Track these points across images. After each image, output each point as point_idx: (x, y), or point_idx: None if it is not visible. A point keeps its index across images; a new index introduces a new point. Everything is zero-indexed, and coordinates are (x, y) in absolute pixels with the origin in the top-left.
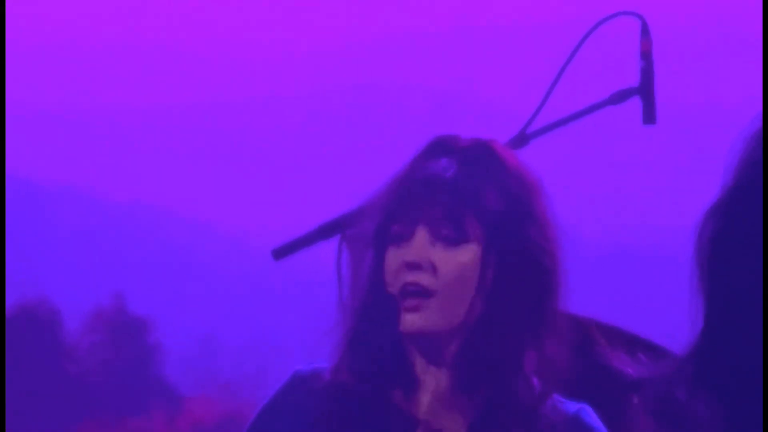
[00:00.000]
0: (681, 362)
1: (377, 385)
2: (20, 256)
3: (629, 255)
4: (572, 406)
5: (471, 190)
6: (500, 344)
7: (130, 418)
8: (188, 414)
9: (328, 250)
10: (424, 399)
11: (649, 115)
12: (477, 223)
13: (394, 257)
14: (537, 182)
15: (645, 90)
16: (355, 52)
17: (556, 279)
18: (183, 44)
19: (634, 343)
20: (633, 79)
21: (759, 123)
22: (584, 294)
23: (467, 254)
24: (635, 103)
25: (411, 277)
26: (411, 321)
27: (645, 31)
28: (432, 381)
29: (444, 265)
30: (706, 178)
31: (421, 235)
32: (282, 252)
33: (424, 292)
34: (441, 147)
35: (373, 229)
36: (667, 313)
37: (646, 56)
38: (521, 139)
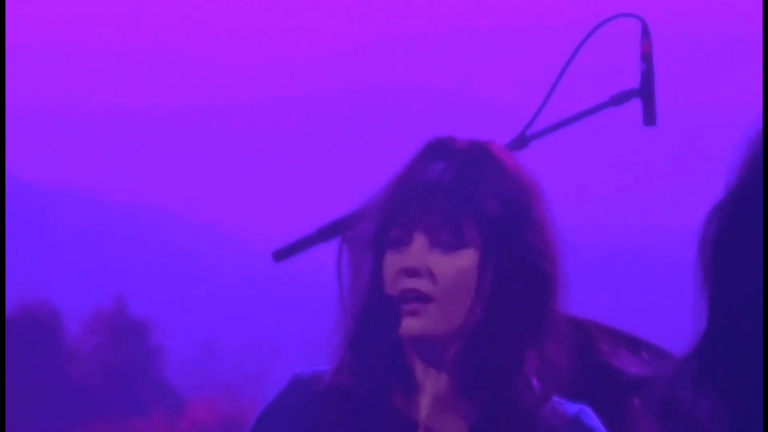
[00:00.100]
0: (684, 362)
1: (377, 389)
2: (21, 258)
3: (630, 255)
4: (572, 408)
5: (469, 194)
6: (500, 347)
7: (131, 419)
8: (189, 415)
9: (328, 252)
10: (424, 402)
11: (650, 117)
12: (475, 227)
13: (392, 262)
14: (535, 185)
15: (645, 92)
16: (355, 55)
17: (555, 282)
18: (184, 47)
19: (634, 344)
20: (633, 81)
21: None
22: (584, 296)
23: (465, 259)
24: (635, 105)
25: (409, 283)
26: (410, 325)
27: (645, 33)
28: (432, 384)
29: (442, 270)
30: (707, 179)
31: (419, 241)
32: (282, 254)
33: (422, 298)
34: (438, 149)
35: (372, 234)
36: (667, 313)
37: (647, 58)
38: (521, 141)
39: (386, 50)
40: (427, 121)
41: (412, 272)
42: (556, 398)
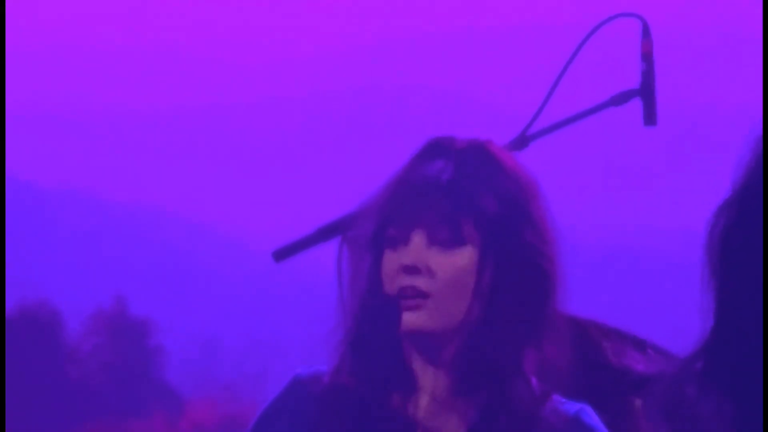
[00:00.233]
0: (690, 360)
1: (377, 388)
2: (21, 258)
3: (630, 255)
4: (572, 407)
5: (468, 192)
6: (499, 346)
7: (131, 419)
8: (189, 415)
9: (328, 252)
10: (423, 402)
11: (650, 117)
12: (474, 226)
13: (391, 260)
14: (534, 183)
15: (646, 91)
16: (355, 55)
17: (553, 281)
18: (184, 47)
19: (639, 343)
20: (634, 81)
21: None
22: (584, 296)
23: (464, 257)
24: (636, 105)
25: (408, 281)
26: (410, 320)
27: (646, 33)
28: (431, 384)
29: (441, 268)
30: (707, 178)
31: (418, 239)
32: (283, 254)
33: (421, 295)
34: (437, 149)
35: (371, 232)
36: (667, 314)
37: (647, 58)
38: (522, 141)
39: (386, 50)
40: (427, 121)
41: (411, 270)
42: (556, 397)
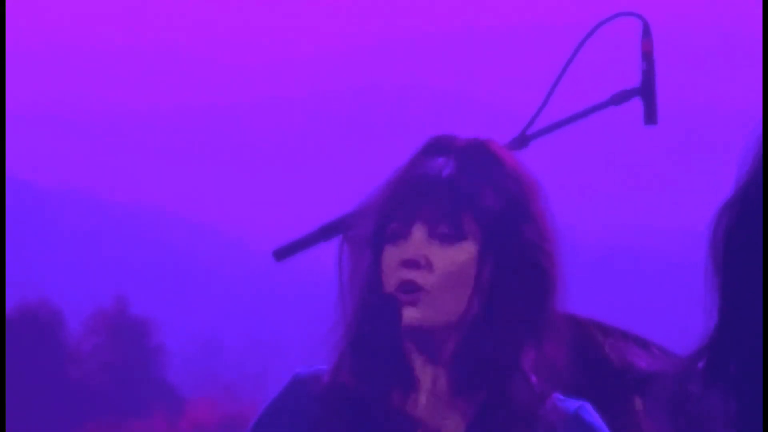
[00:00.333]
0: (694, 357)
1: (376, 386)
2: (21, 257)
3: (630, 255)
4: (572, 404)
5: (468, 188)
6: (498, 342)
7: (131, 419)
8: (190, 415)
9: (329, 251)
10: (423, 399)
11: (651, 116)
12: (474, 221)
13: (391, 255)
14: (534, 181)
15: (646, 91)
16: (355, 55)
17: (553, 277)
18: (184, 47)
19: (642, 342)
20: (634, 80)
21: None
22: (585, 295)
23: (464, 252)
24: (636, 104)
25: (408, 275)
26: (410, 314)
27: (646, 32)
28: (430, 381)
29: (441, 262)
30: (708, 178)
31: (419, 233)
32: (283, 253)
33: (420, 290)
34: (438, 147)
35: (371, 229)
36: (667, 313)
37: (647, 57)
38: (522, 140)
39: (386, 50)
40: (427, 121)
41: (411, 264)
42: (556, 395)
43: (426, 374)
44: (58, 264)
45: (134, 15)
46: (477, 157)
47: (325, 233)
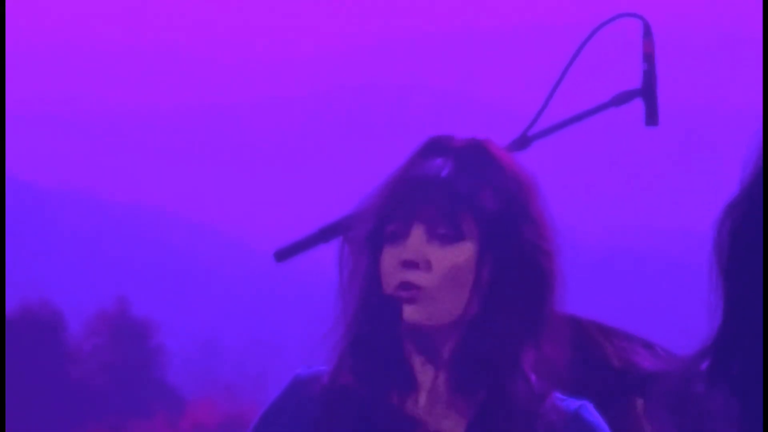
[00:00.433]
0: (698, 356)
1: (376, 387)
2: (22, 258)
3: (631, 256)
4: (572, 404)
5: (466, 189)
6: (497, 342)
7: (132, 420)
8: (190, 416)
9: (329, 252)
10: (423, 399)
11: (652, 117)
12: (473, 221)
13: (390, 256)
14: (532, 181)
15: (647, 92)
16: (355, 55)
17: (552, 277)
18: (184, 47)
19: (646, 342)
20: (635, 81)
21: None
22: (586, 295)
23: (463, 252)
24: (637, 105)
25: (407, 276)
26: (410, 313)
27: (647, 33)
28: (430, 381)
29: (440, 262)
30: (708, 179)
31: (418, 233)
32: (284, 254)
33: (419, 290)
34: (436, 147)
35: (369, 230)
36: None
37: (649, 58)
38: (523, 141)
39: (386, 50)
40: (427, 121)
41: (410, 264)
42: (556, 394)
43: (426, 374)
44: (59, 264)
45: (134, 15)
46: (475, 158)
47: (325, 234)
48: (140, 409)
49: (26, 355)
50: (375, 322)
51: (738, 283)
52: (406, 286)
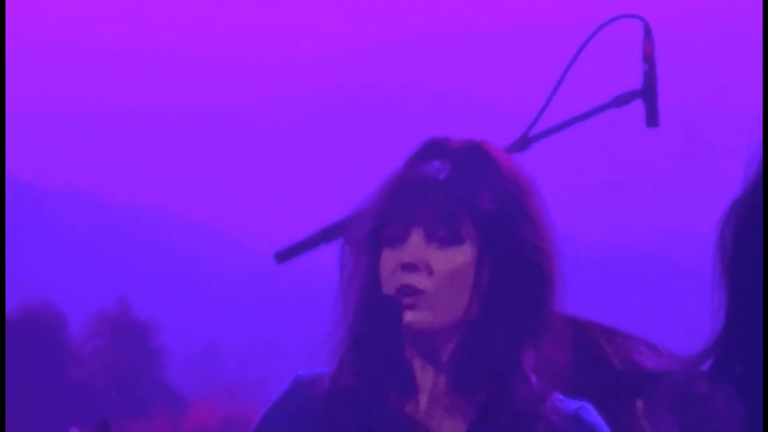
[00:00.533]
0: (701, 356)
1: (377, 388)
2: (23, 259)
3: (631, 256)
4: (573, 405)
5: (465, 190)
6: (497, 344)
7: (133, 420)
8: (191, 416)
9: (329, 253)
10: (423, 401)
11: (652, 118)
12: (471, 223)
13: (389, 259)
14: (530, 182)
15: (648, 93)
16: (355, 55)
17: (551, 277)
18: (184, 47)
19: (648, 343)
20: (636, 82)
21: None
22: (587, 296)
23: (462, 255)
24: (638, 106)
25: (406, 279)
26: (410, 317)
27: (647, 34)
28: (430, 383)
29: (439, 265)
30: (709, 179)
31: (417, 236)
32: (285, 255)
33: (419, 293)
34: (434, 149)
35: (368, 232)
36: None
37: (649, 59)
38: (524, 142)
39: (386, 50)
40: (427, 121)
41: (409, 267)
42: (556, 395)
43: (426, 376)
44: (60, 265)
45: (134, 15)
46: (473, 159)
47: (326, 235)
48: (141, 410)
49: (27, 355)
50: (375, 323)
51: (741, 282)
52: (405, 289)
